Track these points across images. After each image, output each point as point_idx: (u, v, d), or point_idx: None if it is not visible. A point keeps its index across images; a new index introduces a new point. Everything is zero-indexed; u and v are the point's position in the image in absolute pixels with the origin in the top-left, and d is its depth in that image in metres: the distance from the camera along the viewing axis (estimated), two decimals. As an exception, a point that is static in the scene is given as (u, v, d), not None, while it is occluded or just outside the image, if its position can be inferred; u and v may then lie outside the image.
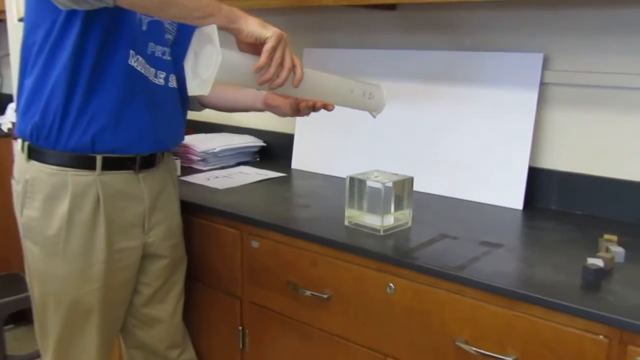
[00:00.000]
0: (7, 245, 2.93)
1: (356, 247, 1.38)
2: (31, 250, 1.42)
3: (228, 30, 1.22)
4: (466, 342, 1.23)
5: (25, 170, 1.39)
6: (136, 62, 1.37)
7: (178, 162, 2.03)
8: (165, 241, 1.54)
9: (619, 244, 1.32)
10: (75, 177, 1.36)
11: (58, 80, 1.31)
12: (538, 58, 1.66)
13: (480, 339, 1.21)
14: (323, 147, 2.11)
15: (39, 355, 1.56)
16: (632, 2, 1.52)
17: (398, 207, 1.47)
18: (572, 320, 1.09)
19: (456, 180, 1.79)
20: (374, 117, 1.48)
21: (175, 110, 1.53)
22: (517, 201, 1.68)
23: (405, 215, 1.51)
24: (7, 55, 3.23)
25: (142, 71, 1.39)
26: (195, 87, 1.24)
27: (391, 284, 1.33)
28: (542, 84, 1.67)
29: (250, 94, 1.56)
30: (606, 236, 1.35)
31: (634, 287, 1.15)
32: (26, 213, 1.40)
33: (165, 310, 1.61)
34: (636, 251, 1.33)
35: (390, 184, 1.43)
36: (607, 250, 1.29)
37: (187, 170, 2.10)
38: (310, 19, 2.19)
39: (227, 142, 2.23)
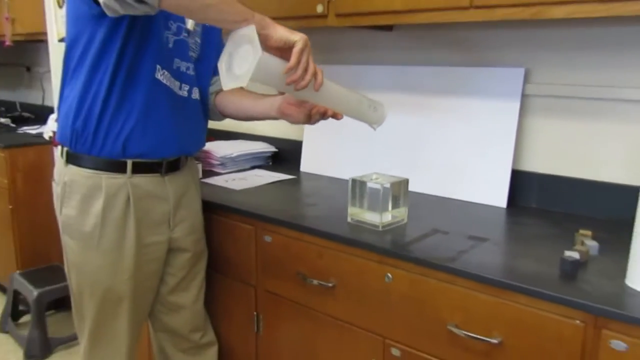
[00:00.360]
0: (48, 241, 2.95)
1: (358, 241, 1.38)
2: (69, 245, 1.43)
3: (259, 36, 1.21)
4: (457, 326, 1.22)
5: (64, 173, 1.40)
6: (162, 75, 1.37)
7: (200, 166, 2.03)
8: (188, 236, 1.54)
9: (593, 238, 1.32)
10: (108, 180, 1.36)
11: (96, 93, 1.31)
12: (520, 72, 1.65)
13: (469, 324, 1.21)
14: (328, 152, 2.11)
15: (76, 338, 1.56)
16: (602, 23, 1.51)
17: (395, 205, 1.47)
18: (551, 307, 1.09)
19: (447, 182, 1.79)
20: (374, 129, 1.47)
21: (197, 119, 1.53)
22: (501, 200, 1.68)
23: (401, 213, 1.50)
24: (49, 71, 3.24)
25: (168, 84, 1.39)
26: (229, 83, 1.21)
27: (389, 274, 1.33)
28: (524, 95, 1.67)
29: (265, 104, 1.54)
30: (582, 231, 1.34)
31: (607, 277, 1.14)
32: (65, 211, 1.40)
33: (189, 298, 1.61)
34: (609, 245, 1.32)
35: (388, 185, 1.43)
36: (583, 244, 1.29)
37: (208, 173, 2.10)
38: (317, 38, 2.18)
39: (243, 148, 2.23)
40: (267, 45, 1.23)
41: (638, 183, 1.51)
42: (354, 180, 1.49)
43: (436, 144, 1.82)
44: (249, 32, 1.18)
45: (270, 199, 1.76)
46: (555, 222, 1.53)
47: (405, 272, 1.30)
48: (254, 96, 1.59)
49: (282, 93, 1.38)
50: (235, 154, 2.17)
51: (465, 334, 1.20)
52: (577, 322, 1.06)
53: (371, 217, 1.46)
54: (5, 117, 3.44)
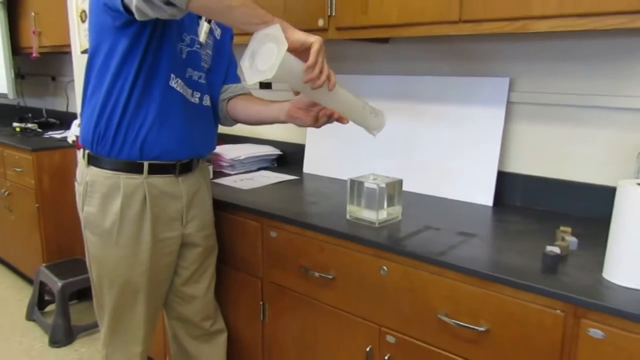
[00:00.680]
0: (72, 236, 2.95)
1: (356, 236, 1.38)
2: (90, 240, 1.43)
3: None
4: (446, 315, 1.22)
5: (85, 173, 1.40)
6: (176, 83, 1.37)
7: (210, 168, 2.03)
8: (199, 232, 1.53)
9: (573, 234, 1.31)
10: (126, 180, 1.36)
11: (116, 100, 1.32)
12: (505, 82, 1.65)
13: (458, 313, 1.20)
14: (329, 155, 2.11)
15: (97, 326, 1.57)
16: (581, 36, 1.51)
17: (390, 204, 1.47)
18: (534, 298, 1.08)
19: (438, 182, 1.78)
20: (374, 135, 1.46)
21: (208, 124, 1.53)
22: (488, 199, 1.67)
23: (396, 211, 1.50)
24: (72, 81, 3.25)
25: (181, 91, 1.39)
26: (254, 77, 1.17)
27: (385, 267, 1.33)
28: (509, 103, 1.66)
29: (275, 108, 1.52)
30: (562, 228, 1.34)
31: (586, 270, 1.14)
32: (86, 209, 1.40)
33: (200, 289, 1.60)
34: (587, 240, 1.31)
35: (384, 185, 1.43)
36: (563, 239, 1.28)
37: (218, 174, 2.10)
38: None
39: (250, 151, 2.23)
40: None
41: (613, 184, 1.50)
42: (352, 181, 1.49)
43: (428, 147, 1.81)
44: (275, 30, 1.17)
45: (275, 197, 1.75)
46: (538, 219, 1.52)
47: (399, 265, 1.30)
48: (263, 102, 1.58)
49: (296, 93, 1.35)
50: (243, 157, 2.17)
51: (454, 322, 1.20)
52: (558, 311, 1.06)
53: (368, 215, 1.46)
54: (33, 122, 3.44)
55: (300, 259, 1.53)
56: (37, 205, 2.86)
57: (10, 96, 3.56)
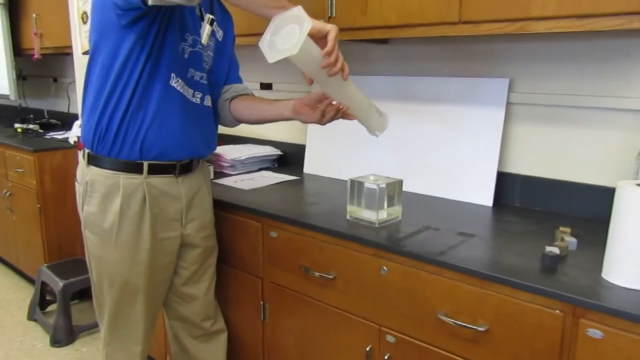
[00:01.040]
0: (73, 236, 2.95)
1: (356, 236, 1.37)
2: (90, 239, 1.42)
3: None
4: (446, 315, 1.22)
5: (85, 173, 1.40)
6: (176, 83, 1.37)
7: (211, 168, 2.03)
8: (198, 233, 1.53)
9: (572, 234, 1.31)
10: (125, 180, 1.36)
11: (118, 100, 1.32)
12: (505, 82, 1.65)
13: (457, 312, 1.20)
14: (329, 155, 2.11)
15: (98, 326, 1.56)
16: (580, 37, 1.51)
17: (390, 204, 1.47)
18: (533, 297, 1.08)
19: (438, 182, 1.78)
20: (377, 136, 1.46)
21: (209, 124, 1.52)
22: (487, 199, 1.67)
23: (396, 211, 1.50)
24: (73, 82, 3.25)
25: (181, 91, 1.39)
26: (275, 56, 1.16)
27: (384, 267, 1.33)
28: (508, 104, 1.66)
29: (279, 105, 1.51)
30: (561, 228, 1.34)
31: (585, 271, 1.14)
32: (86, 208, 1.40)
33: (200, 289, 1.60)
34: (586, 241, 1.32)
35: (384, 185, 1.43)
36: (562, 240, 1.28)
37: (219, 174, 2.10)
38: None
39: (251, 151, 2.23)
40: None
41: (613, 184, 1.50)
42: (352, 181, 1.49)
43: (428, 148, 1.81)
44: (298, 11, 1.17)
45: (276, 198, 1.75)
46: (537, 220, 1.52)
47: (399, 265, 1.30)
48: (267, 101, 1.57)
49: (310, 82, 1.32)
50: (244, 157, 2.17)
51: (453, 322, 1.20)
52: (557, 311, 1.06)
53: (368, 215, 1.46)
54: (34, 123, 3.44)
55: (300, 259, 1.53)
56: (38, 205, 2.86)
57: (12, 97, 3.57)
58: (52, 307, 2.80)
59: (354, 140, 2.01)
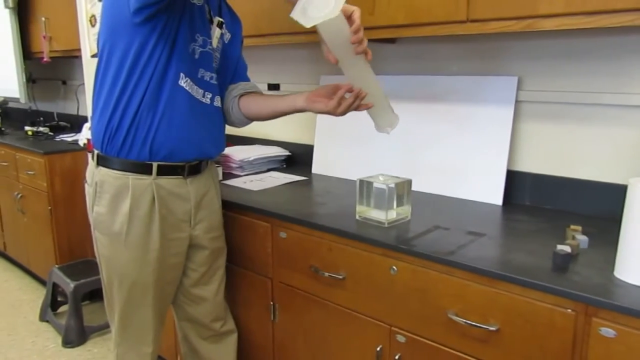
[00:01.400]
0: (84, 237, 2.97)
1: (365, 237, 1.37)
2: (100, 240, 1.43)
3: None
4: (456, 314, 1.21)
5: (95, 174, 1.40)
6: (185, 83, 1.37)
7: (220, 169, 2.04)
8: (207, 234, 1.53)
9: (583, 233, 1.30)
10: (135, 180, 1.36)
11: (128, 100, 1.32)
12: (513, 80, 1.64)
13: (468, 312, 1.20)
14: (338, 155, 2.10)
15: (109, 326, 1.57)
16: (589, 34, 1.50)
17: (399, 203, 1.46)
18: (544, 296, 1.07)
19: (447, 181, 1.78)
20: (389, 133, 1.45)
21: (217, 125, 1.52)
22: (497, 198, 1.66)
23: (405, 211, 1.50)
24: (82, 84, 3.26)
25: (191, 91, 1.39)
26: (310, 22, 1.16)
27: (394, 267, 1.32)
28: (517, 102, 1.65)
29: (291, 97, 1.48)
30: (572, 227, 1.33)
31: (596, 269, 1.13)
32: (96, 209, 1.41)
33: (210, 291, 1.60)
34: (597, 239, 1.30)
35: (393, 185, 1.42)
36: (573, 238, 1.27)
37: (228, 175, 2.10)
38: (325, 51, 2.18)
39: (259, 152, 2.23)
40: None
41: (622, 181, 1.49)
42: (361, 181, 1.48)
43: (437, 147, 1.81)
44: None
45: (284, 198, 1.75)
46: (547, 218, 1.51)
47: (409, 264, 1.29)
48: (277, 96, 1.56)
49: (335, 61, 1.30)
50: (252, 158, 2.17)
51: (463, 321, 1.19)
52: (569, 310, 1.05)
53: (377, 215, 1.45)
54: (44, 126, 3.47)
55: (310, 259, 1.53)
56: (49, 207, 2.87)
57: (22, 100, 3.59)
58: (63, 308, 2.82)
59: (362, 140, 2.00)
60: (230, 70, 1.60)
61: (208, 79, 1.45)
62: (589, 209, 1.55)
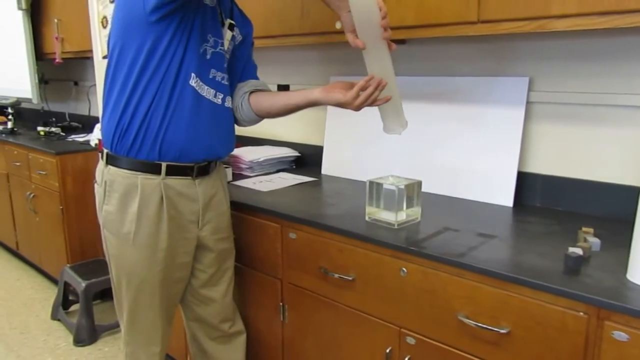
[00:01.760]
0: (95, 237, 2.98)
1: (375, 238, 1.36)
2: (109, 239, 1.44)
3: None
4: (466, 317, 1.20)
5: (104, 173, 1.41)
6: (196, 83, 1.37)
7: (229, 170, 2.04)
8: (214, 235, 1.53)
9: (595, 235, 1.29)
10: (143, 180, 1.37)
11: (140, 99, 1.32)
12: (524, 81, 1.63)
13: (478, 314, 1.19)
14: (347, 156, 2.10)
15: (119, 325, 1.58)
16: (601, 34, 1.48)
17: (409, 205, 1.46)
18: (556, 299, 1.06)
19: (457, 183, 1.77)
20: (400, 134, 1.45)
21: (227, 125, 1.52)
22: (508, 199, 1.65)
23: (415, 212, 1.49)
24: (94, 85, 3.29)
25: (201, 91, 1.39)
26: None
27: (404, 268, 1.32)
28: (528, 102, 1.64)
29: (304, 91, 1.48)
30: (584, 229, 1.32)
31: (609, 272, 1.11)
32: (105, 208, 1.41)
33: (219, 292, 1.60)
34: (609, 241, 1.29)
35: (403, 187, 1.42)
36: (585, 240, 1.26)
37: (237, 176, 2.11)
38: (337, 52, 2.18)
39: (269, 153, 2.23)
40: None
41: (635, 183, 1.47)
42: (371, 182, 1.48)
43: (447, 148, 1.80)
44: None
45: (294, 199, 1.75)
46: (559, 220, 1.50)
47: (419, 266, 1.29)
48: (289, 92, 1.55)
49: (362, 45, 1.33)
50: (262, 159, 2.17)
51: (474, 324, 1.18)
52: (581, 314, 1.04)
53: (387, 216, 1.45)
54: (56, 126, 3.49)
55: (319, 260, 1.53)
56: (61, 207, 2.89)
57: (35, 101, 3.62)
58: (74, 307, 2.84)
59: (371, 141, 2.00)
60: (239, 69, 1.60)
61: (220, 79, 1.45)
62: (601, 210, 1.54)
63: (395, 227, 1.42)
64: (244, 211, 1.72)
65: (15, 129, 3.58)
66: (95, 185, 1.47)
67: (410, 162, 1.89)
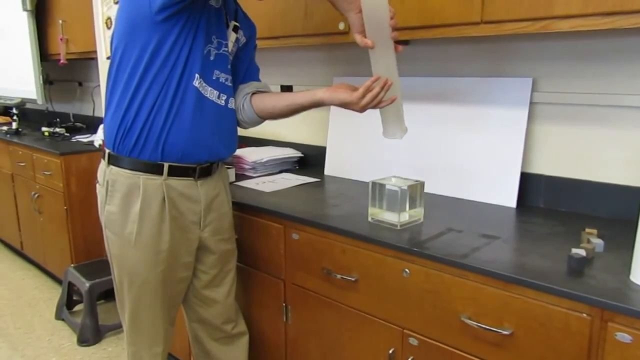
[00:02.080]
0: (99, 237, 2.97)
1: (378, 239, 1.36)
2: (111, 239, 1.44)
3: None
4: (469, 318, 1.20)
5: (106, 173, 1.41)
6: (199, 84, 1.37)
7: (232, 171, 2.04)
8: (215, 236, 1.53)
9: (599, 236, 1.28)
10: (146, 180, 1.37)
11: (143, 99, 1.32)
12: (528, 82, 1.62)
13: (481, 315, 1.18)
14: (350, 157, 2.10)
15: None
16: (605, 35, 1.48)
17: (412, 206, 1.45)
18: (560, 301, 1.06)
19: (460, 184, 1.76)
20: (401, 138, 1.45)
21: (230, 126, 1.52)
22: (511, 200, 1.65)
23: (418, 213, 1.49)
24: (98, 86, 3.30)
25: (204, 92, 1.39)
26: None
27: (407, 269, 1.31)
28: (532, 103, 1.64)
29: (308, 91, 1.47)
30: (587, 230, 1.31)
31: (612, 273, 1.11)
32: (107, 208, 1.41)
33: (221, 293, 1.60)
34: (613, 242, 1.29)
35: (406, 187, 1.41)
36: (589, 241, 1.25)
37: (240, 177, 2.11)
38: (340, 53, 2.18)
39: (272, 153, 2.23)
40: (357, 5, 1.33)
41: (638, 184, 1.47)
42: (374, 183, 1.48)
43: (450, 149, 1.79)
44: None
45: (297, 200, 1.75)
46: (562, 221, 1.49)
47: (421, 267, 1.28)
48: (293, 92, 1.55)
49: (372, 44, 1.34)
50: (265, 159, 2.17)
51: (477, 325, 1.18)
52: (584, 315, 1.03)
53: (390, 217, 1.45)
54: (60, 127, 3.50)
55: (322, 261, 1.52)
56: (65, 207, 2.90)
57: (39, 101, 3.63)
58: (79, 307, 2.84)
59: (374, 142, 2.00)
60: (241, 71, 1.60)
61: (223, 81, 1.45)
62: (604, 211, 1.53)
63: (398, 227, 1.42)
64: (247, 212, 1.72)
65: (19, 130, 3.59)
66: (97, 185, 1.47)
67: (413, 163, 1.88)
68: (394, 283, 1.35)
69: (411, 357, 1.34)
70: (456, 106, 1.78)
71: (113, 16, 2.56)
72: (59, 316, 2.82)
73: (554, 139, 1.63)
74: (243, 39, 1.57)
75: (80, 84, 3.95)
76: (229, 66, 1.49)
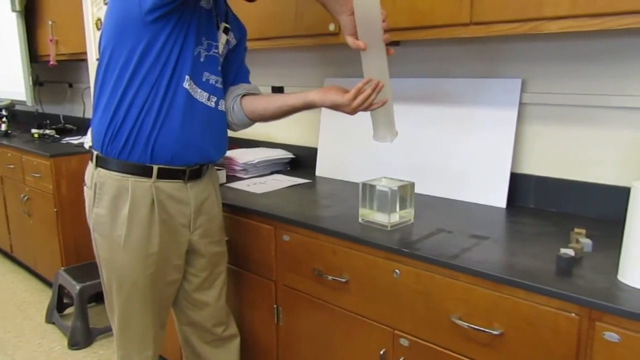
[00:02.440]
0: (89, 240, 2.95)
1: (368, 240, 1.37)
2: (99, 242, 1.43)
3: None
4: (460, 318, 1.21)
5: (94, 176, 1.39)
6: (189, 85, 1.36)
7: (223, 172, 2.04)
8: (204, 239, 1.52)
9: (587, 236, 1.29)
10: (134, 183, 1.36)
11: (132, 100, 1.31)
12: (517, 83, 1.63)
13: (471, 316, 1.19)
14: (341, 158, 2.10)
15: (113, 329, 1.57)
16: (594, 36, 1.49)
17: (402, 206, 1.46)
18: (548, 300, 1.07)
19: (450, 184, 1.77)
20: (391, 141, 1.45)
21: (221, 128, 1.52)
22: (501, 201, 1.65)
23: (408, 214, 1.49)
24: (88, 87, 3.29)
25: (194, 94, 1.38)
26: None
27: (397, 270, 1.32)
28: (521, 104, 1.64)
29: (299, 93, 1.47)
30: (576, 230, 1.32)
31: (600, 273, 1.12)
32: (95, 211, 1.40)
33: (212, 296, 1.59)
34: (601, 242, 1.30)
35: (396, 188, 1.42)
36: (577, 241, 1.26)
37: (231, 178, 2.10)
38: (330, 54, 2.19)
39: (263, 155, 2.23)
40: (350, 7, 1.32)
41: (627, 184, 1.48)
42: (364, 184, 1.48)
43: (441, 150, 1.80)
44: None
45: (288, 201, 1.75)
46: (551, 221, 1.50)
47: (412, 268, 1.29)
48: (284, 94, 1.55)
49: (364, 46, 1.35)
50: (256, 161, 2.17)
51: (467, 325, 1.19)
52: (573, 315, 1.04)
53: (380, 218, 1.45)
54: (50, 129, 3.48)
55: (313, 262, 1.52)
56: (55, 209, 2.88)
57: (29, 103, 3.61)
58: (69, 310, 2.82)
59: (365, 143, 2.00)
60: (231, 73, 1.60)
61: (213, 82, 1.45)
62: (593, 211, 1.54)
63: (389, 228, 1.42)
64: (238, 213, 1.72)
65: (9, 132, 3.56)
66: (85, 187, 1.45)
67: (403, 164, 1.89)
68: (384, 284, 1.35)
69: (402, 358, 1.35)
70: (446, 107, 1.79)
71: (103, 17, 2.55)
72: (49, 319, 2.80)
73: (543, 139, 1.64)
74: (233, 41, 1.57)
75: (70, 86, 3.93)
76: (219, 68, 1.48)
